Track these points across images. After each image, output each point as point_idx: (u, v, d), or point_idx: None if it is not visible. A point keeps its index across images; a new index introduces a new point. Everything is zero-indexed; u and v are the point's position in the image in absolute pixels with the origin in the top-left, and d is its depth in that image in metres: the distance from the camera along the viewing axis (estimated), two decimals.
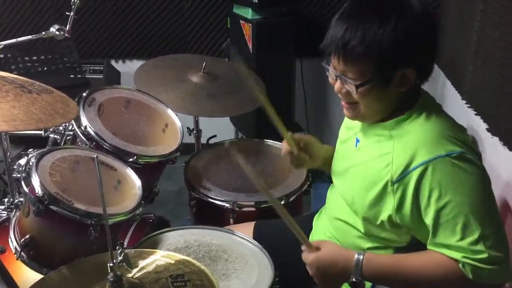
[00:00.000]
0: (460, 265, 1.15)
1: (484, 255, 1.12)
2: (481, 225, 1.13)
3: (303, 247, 1.30)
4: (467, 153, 1.16)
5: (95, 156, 1.02)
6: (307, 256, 1.27)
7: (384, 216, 1.23)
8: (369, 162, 1.26)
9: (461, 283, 1.16)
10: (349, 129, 1.41)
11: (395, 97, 1.22)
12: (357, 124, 1.36)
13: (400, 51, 1.14)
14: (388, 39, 1.12)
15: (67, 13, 1.90)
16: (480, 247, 1.12)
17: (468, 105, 2.19)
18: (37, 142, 1.91)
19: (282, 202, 1.76)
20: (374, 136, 1.28)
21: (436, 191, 1.14)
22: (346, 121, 1.46)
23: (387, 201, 1.21)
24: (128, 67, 3.28)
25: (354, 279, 1.20)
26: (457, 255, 1.15)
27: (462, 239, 1.14)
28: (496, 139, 1.89)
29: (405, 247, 1.28)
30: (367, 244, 1.31)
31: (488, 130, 1.97)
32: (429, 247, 1.20)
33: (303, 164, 1.55)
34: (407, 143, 1.19)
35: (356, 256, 1.21)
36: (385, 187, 1.21)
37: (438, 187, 1.14)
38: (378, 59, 1.14)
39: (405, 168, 1.17)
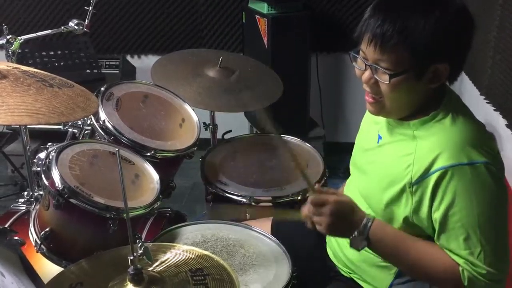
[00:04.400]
0: (460, 269, 1.15)
1: (482, 271, 1.13)
2: (485, 241, 1.12)
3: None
4: (490, 164, 1.13)
5: (116, 150, 1.02)
6: (330, 197, 1.22)
7: (400, 215, 1.22)
8: (390, 161, 1.24)
9: (455, 284, 1.16)
10: (374, 123, 1.37)
11: (423, 94, 1.19)
12: (381, 119, 1.33)
13: (440, 44, 1.11)
14: (430, 30, 1.09)
15: (85, 7, 1.91)
16: (478, 261, 1.13)
17: (487, 101, 2.17)
18: (55, 136, 1.92)
19: (299, 198, 1.76)
20: (397, 135, 1.26)
21: (449, 197, 1.13)
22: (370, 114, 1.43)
23: (405, 202, 1.20)
24: (143, 62, 3.29)
25: (356, 234, 1.20)
26: (458, 260, 1.15)
27: (463, 249, 1.14)
28: None
29: None
30: None
31: (507, 126, 1.95)
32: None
33: None
34: (431, 145, 1.16)
35: (366, 216, 1.21)
36: (403, 188, 1.19)
37: (452, 194, 1.12)
38: (416, 50, 1.11)
39: (425, 171, 1.15)
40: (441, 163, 1.13)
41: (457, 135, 1.16)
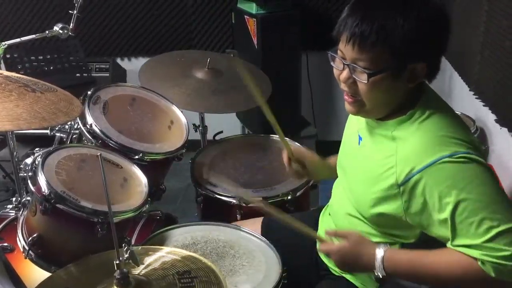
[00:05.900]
0: (479, 263, 1.12)
1: (504, 253, 1.09)
2: (497, 221, 1.09)
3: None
4: (472, 153, 1.12)
5: (99, 154, 1.02)
6: (330, 247, 1.28)
7: (390, 216, 1.21)
8: (372, 163, 1.24)
9: (481, 280, 1.13)
10: (356, 122, 1.36)
11: (401, 93, 1.19)
12: (362, 119, 1.32)
13: (418, 43, 1.11)
14: (408, 29, 1.09)
15: (70, 11, 1.89)
16: (498, 245, 1.09)
17: (476, 96, 2.17)
18: (44, 141, 1.92)
19: (289, 197, 1.76)
20: (377, 136, 1.25)
21: (445, 192, 1.11)
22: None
23: (394, 202, 1.19)
24: (133, 65, 3.28)
25: (379, 275, 1.21)
26: (476, 253, 1.12)
27: (479, 237, 1.11)
28: (504, 130, 1.87)
29: (413, 243, 1.26)
30: (374, 239, 1.29)
31: (496, 121, 1.95)
32: (448, 247, 1.17)
33: (303, 175, 1.62)
34: (411, 146, 1.16)
35: (377, 254, 1.21)
36: (390, 189, 1.18)
37: (446, 188, 1.11)
38: (395, 48, 1.10)
39: (409, 171, 1.14)
40: (425, 162, 1.12)
41: (435, 132, 1.15)
